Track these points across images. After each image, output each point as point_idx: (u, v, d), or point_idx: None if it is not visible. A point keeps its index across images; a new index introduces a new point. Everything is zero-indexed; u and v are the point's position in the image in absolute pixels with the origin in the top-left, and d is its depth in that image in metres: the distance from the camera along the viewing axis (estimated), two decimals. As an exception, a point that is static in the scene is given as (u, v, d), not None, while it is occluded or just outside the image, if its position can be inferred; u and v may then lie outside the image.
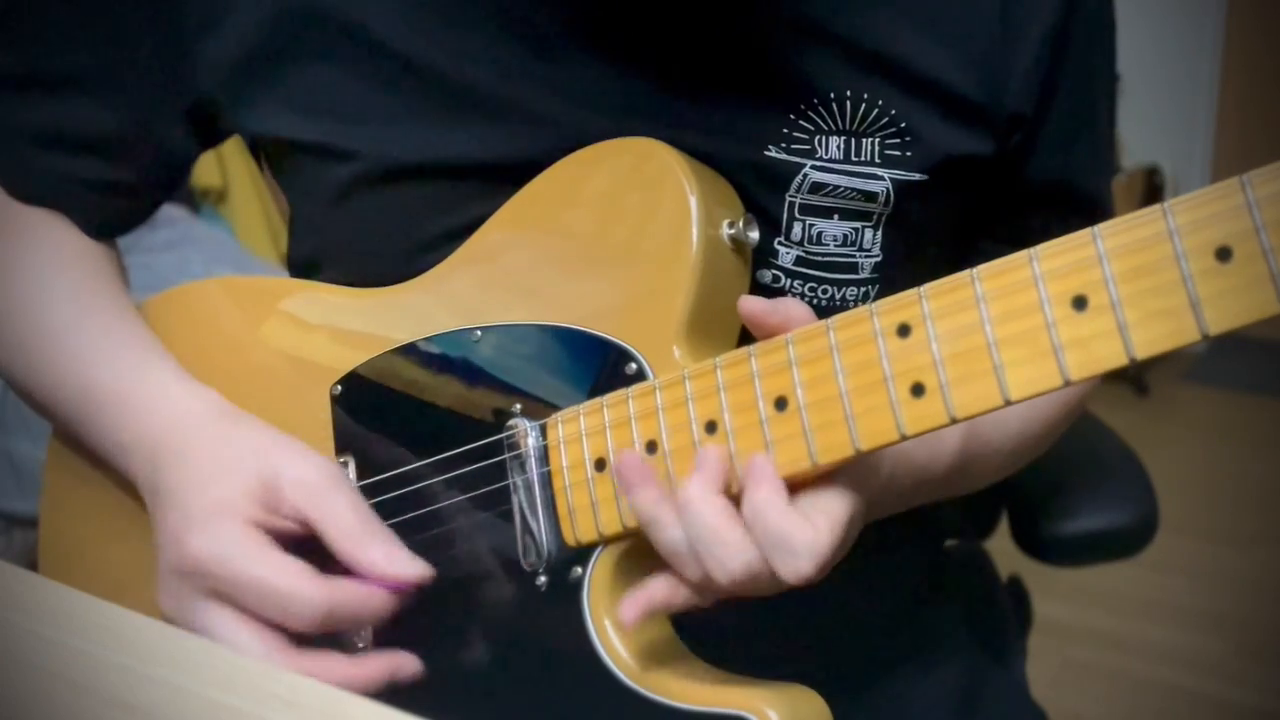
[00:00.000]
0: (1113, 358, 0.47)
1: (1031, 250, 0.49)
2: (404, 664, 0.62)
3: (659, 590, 0.57)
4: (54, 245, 0.76)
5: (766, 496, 0.54)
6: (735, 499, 0.56)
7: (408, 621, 0.65)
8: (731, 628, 0.62)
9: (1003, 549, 1.01)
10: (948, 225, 0.73)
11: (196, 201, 2.33)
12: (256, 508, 0.61)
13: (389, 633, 0.66)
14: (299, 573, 0.59)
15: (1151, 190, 3.39)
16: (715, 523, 0.54)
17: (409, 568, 0.61)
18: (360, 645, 0.66)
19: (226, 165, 2.33)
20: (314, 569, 0.60)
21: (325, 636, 0.61)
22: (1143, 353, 0.47)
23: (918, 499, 0.69)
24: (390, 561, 0.61)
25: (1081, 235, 0.48)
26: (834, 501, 0.55)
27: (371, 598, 0.60)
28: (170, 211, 1.99)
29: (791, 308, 0.57)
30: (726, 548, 0.54)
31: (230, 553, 0.59)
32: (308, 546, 0.62)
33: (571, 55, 0.66)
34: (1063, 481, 0.89)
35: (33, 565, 0.77)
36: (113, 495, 0.74)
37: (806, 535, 0.53)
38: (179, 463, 0.64)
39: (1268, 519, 2.52)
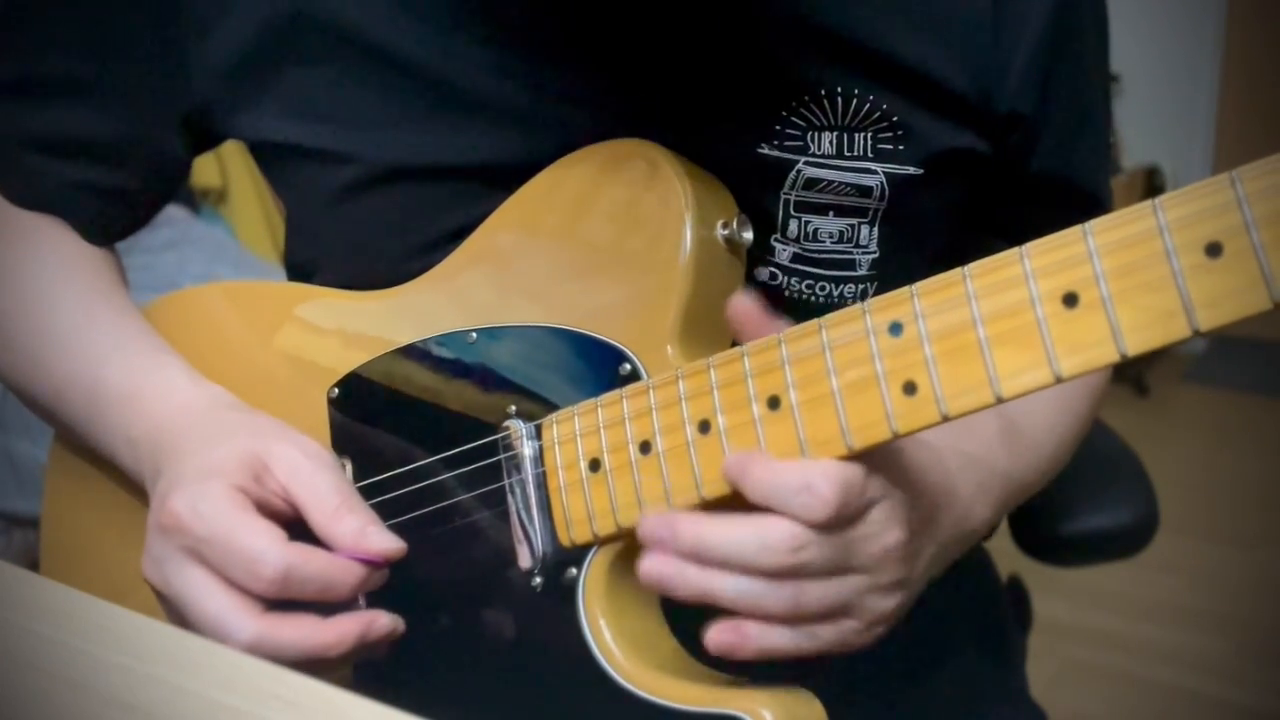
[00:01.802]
0: (1104, 354, 0.47)
1: (1022, 247, 0.49)
2: (377, 622, 0.61)
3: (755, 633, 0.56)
4: (54, 250, 0.76)
5: (763, 466, 0.54)
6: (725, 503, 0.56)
7: (404, 620, 0.66)
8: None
9: (1003, 549, 1.01)
10: (945, 221, 0.73)
11: (196, 201, 2.33)
12: (244, 475, 0.61)
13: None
14: (265, 533, 0.59)
15: (1151, 190, 3.40)
16: (729, 528, 0.53)
17: (378, 541, 0.60)
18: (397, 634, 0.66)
19: (226, 165, 2.33)
20: (282, 533, 0.59)
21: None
22: (1134, 349, 0.47)
23: (983, 509, 0.67)
24: (360, 534, 0.60)
25: (1072, 232, 0.48)
26: (835, 460, 0.54)
27: (336, 566, 0.59)
28: (170, 211, 1.99)
29: (780, 323, 0.57)
30: (761, 533, 0.53)
31: (205, 509, 0.59)
32: (294, 529, 0.62)
33: (564, 57, 0.67)
34: (1063, 481, 0.89)
35: (33, 565, 0.77)
36: (114, 497, 0.74)
37: (809, 467, 0.53)
38: (176, 444, 0.64)
39: (1268, 519, 2.52)
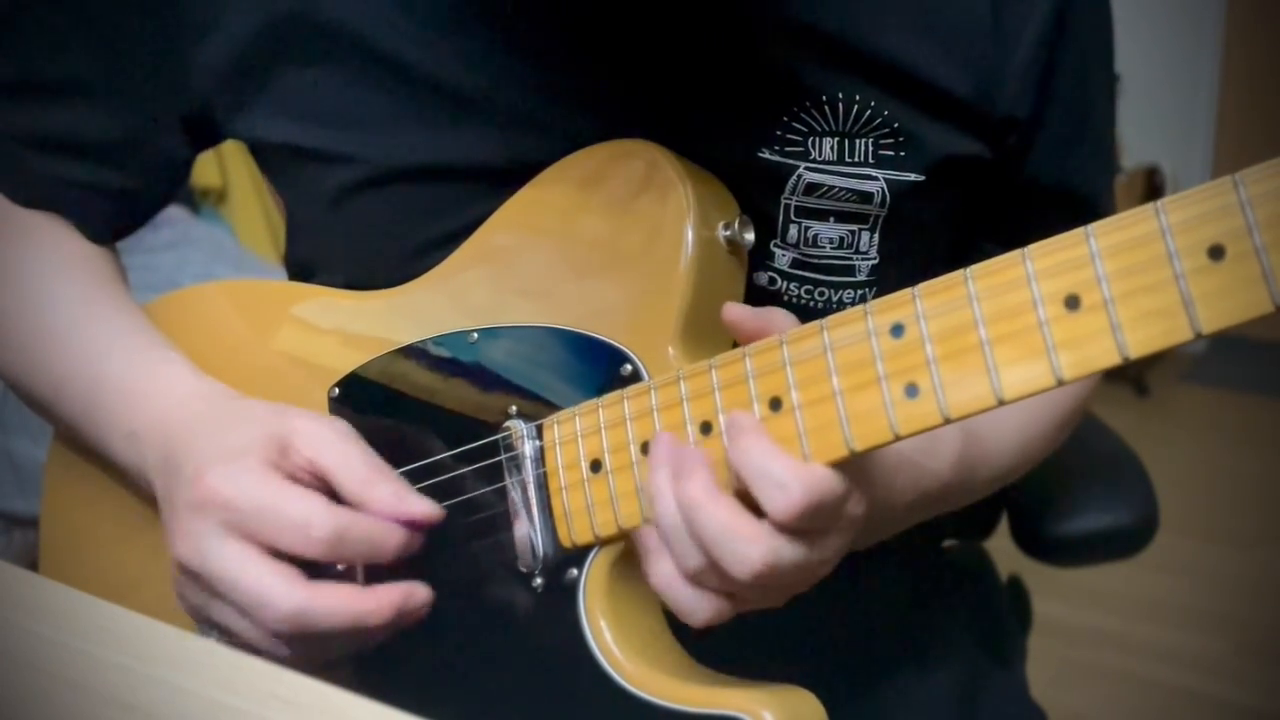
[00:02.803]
0: (1106, 357, 0.47)
1: (1024, 249, 0.49)
2: (415, 593, 0.61)
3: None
4: (55, 247, 0.76)
5: (754, 439, 0.54)
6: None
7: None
8: (728, 628, 0.62)
9: (1003, 549, 1.01)
10: (944, 228, 0.73)
11: (196, 201, 2.33)
12: (272, 451, 0.61)
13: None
14: (311, 497, 0.59)
15: (1151, 190, 3.39)
16: (728, 519, 0.54)
17: (417, 505, 0.61)
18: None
19: (226, 165, 2.33)
20: (324, 498, 0.60)
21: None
22: (1136, 352, 0.47)
23: (917, 514, 0.69)
24: (398, 499, 0.61)
25: (1074, 234, 0.48)
26: (830, 470, 0.54)
27: (381, 528, 0.60)
28: (170, 211, 1.99)
29: (775, 315, 0.57)
30: (745, 542, 0.53)
31: (248, 482, 0.59)
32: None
33: (565, 58, 0.66)
34: (1063, 481, 0.89)
35: (33, 565, 0.77)
36: (114, 497, 0.74)
37: (794, 464, 0.53)
38: (189, 432, 0.64)
39: (1268, 519, 2.52)
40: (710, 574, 0.55)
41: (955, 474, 0.68)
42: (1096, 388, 0.82)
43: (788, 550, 0.53)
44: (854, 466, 0.57)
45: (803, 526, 0.53)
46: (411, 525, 0.61)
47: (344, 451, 0.62)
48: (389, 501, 0.61)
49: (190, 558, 0.61)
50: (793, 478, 0.52)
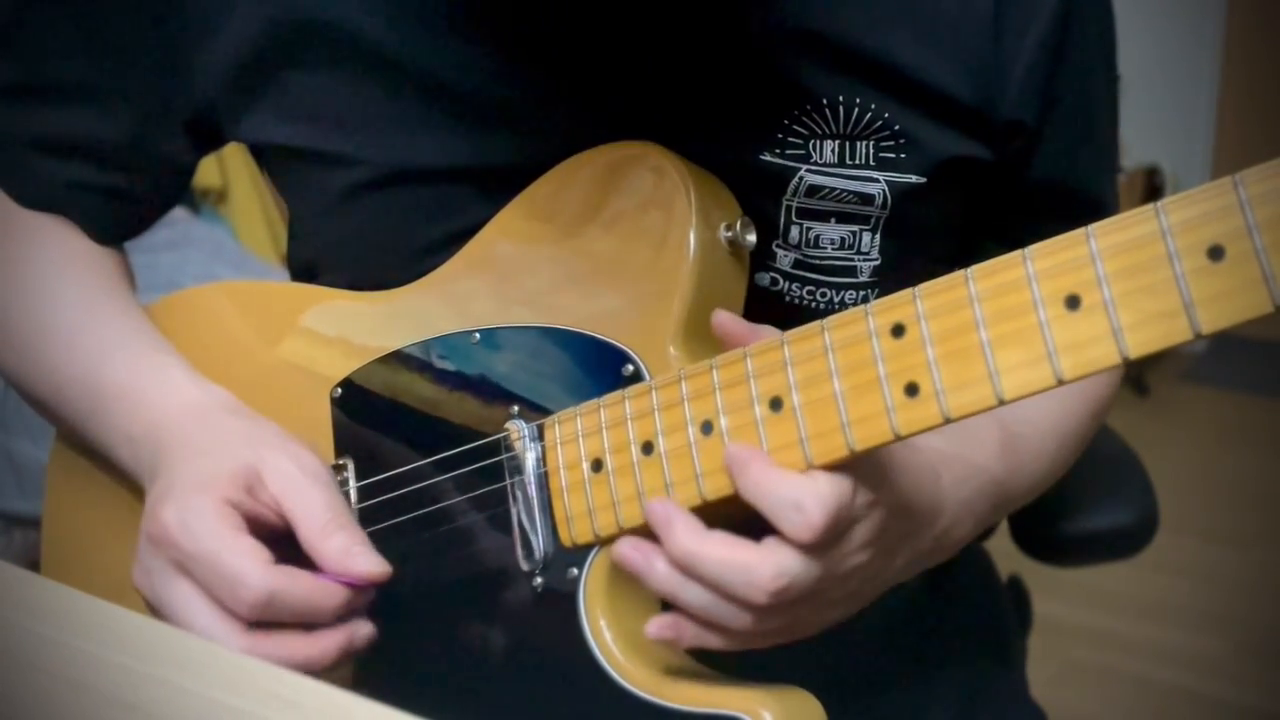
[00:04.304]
0: (1106, 357, 0.47)
1: (1025, 250, 0.49)
2: (358, 632, 0.61)
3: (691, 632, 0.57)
4: (61, 249, 0.76)
5: (760, 468, 0.54)
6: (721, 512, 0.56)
7: (406, 620, 0.66)
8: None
9: (1003, 549, 1.01)
10: (947, 229, 0.73)
11: (196, 201, 2.33)
12: (236, 488, 0.61)
13: (385, 633, 0.66)
14: (250, 554, 0.59)
15: (1152, 190, 3.39)
16: (728, 555, 0.53)
17: (364, 563, 0.60)
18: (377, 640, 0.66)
19: (226, 165, 2.33)
20: (270, 556, 0.59)
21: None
22: (1136, 352, 0.47)
23: (979, 513, 0.67)
24: (346, 554, 0.60)
25: (1075, 235, 0.48)
26: (836, 474, 0.54)
27: (320, 591, 0.59)
28: (170, 212, 1.99)
29: (763, 333, 0.57)
30: (750, 568, 0.53)
31: (194, 525, 0.59)
32: (286, 542, 0.62)
33: (568, 61, 0.66)
34: (1063, 481, 0.89)
35: (33, 565, 0.77)
36: (116, 496, 0.74)
37: (805, 484, 0.53)
38: (174, 448, 0.64)
39: (1268, 519, 2.52)
40: (736, 613, 0.55)
41: (1004, 468, 0.68)
42: (1114, 397, 0.82)
43: (793, 563, 0.53)
44: (881, 466, 0.57)
45: (825, 540, 0.53)
46: (354, 585, 0.61)
47: (307, 495, 0.62)
48: (335, 556, 0.60)
49: (142, 586, 0.61)
50: (805, 495, 0.52)
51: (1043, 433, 0.73)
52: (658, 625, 0.56)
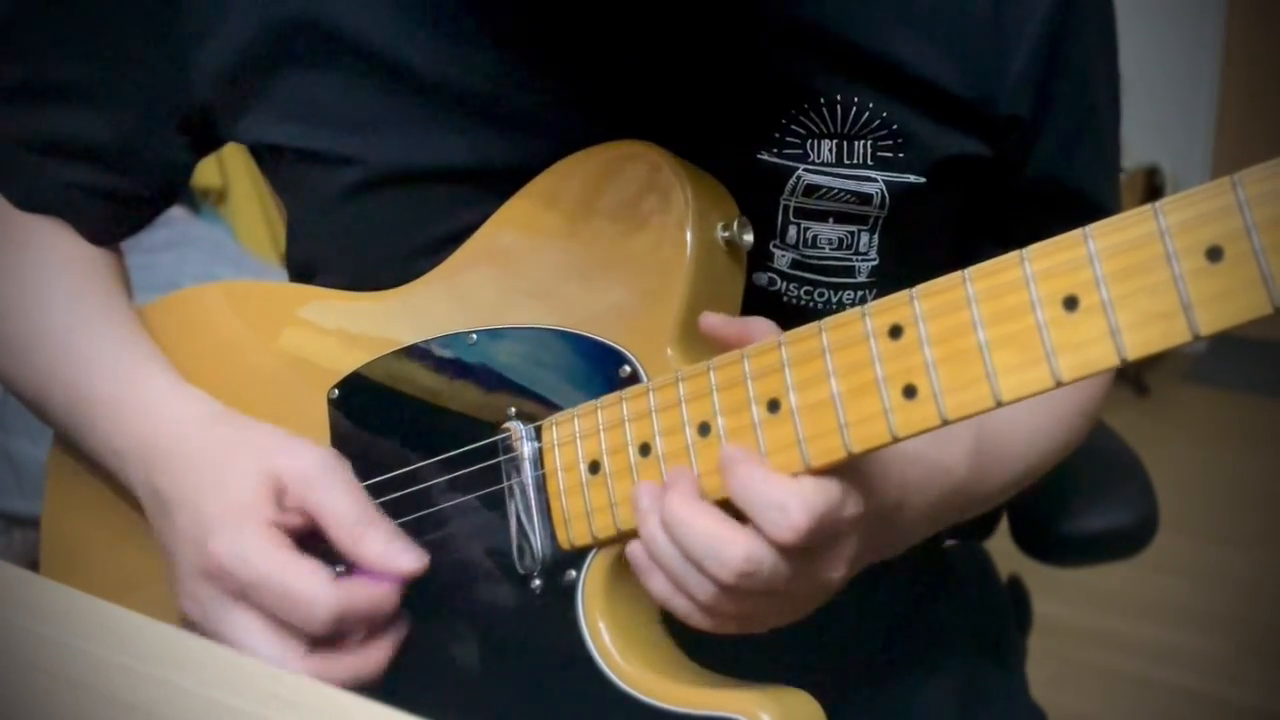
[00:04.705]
0: (1104, 358, 0.47)
1: (1023, 251, 0.49)
2: (401, 634, 0.64)
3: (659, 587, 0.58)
4: (54, 251, 0.76)
5: (748, 469, 0.54)
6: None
7: (403, 623, 0.66)
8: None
9: (1003, 549, 1.01)
10: (945, 229, 0.73)
11: (196, 201, 2.33)
12: (270, 507, 0.62)
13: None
14: (314, 574, 0.60)
15: (1152, 190, 3.39)
16: (709, 526, 0.54)
17: (407, 560, 0.62)
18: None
19: (226, 165, 2.33)
20: (329, 571, 0.61)
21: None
22: (1134, 353, 0.47)
23: (937, 516, 0.69)
24: (388, 555, 0.62)
25: (1073, 235, 0.48)
26: (827, 479, 0.54)
27: (379, 595, 0.61)
28: (170, 211, 1.98)
29: (754, 324, 0.58)
30: (723, 544, 0.54)
31: (250, 554, 0.60)
32: (319, 537, 0.63)
33: (565, 61, 0.66)
34: (1063, 482, 0.89)
35: (33, 565, 0.77)
36: (114, 497, 0.74)
37: (790, 486, 0.53)
38: (177, 467, 0.65)
39: (1268, 519, 2.52)
40: (702, 582, 0.55)
41: (970, 473, 0.68)
42: (1108, 391, 0.82)
43: (771, 559, 0.54)
44: (862, 471, 0.57)
45: (810, 543, 0.54)
46: (404, 577, 0.62)
47: (329, 494, 0.63)
48: (379, 559, 0.62)
49: (200, 621, 0.62)
50: (790, 496, 0.53)
51: (1019, 435, 0.73)
52: (636, 550, 0.57)
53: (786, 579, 0.55)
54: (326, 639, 0.61)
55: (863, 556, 0.60)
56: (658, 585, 0.58)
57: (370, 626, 0.62)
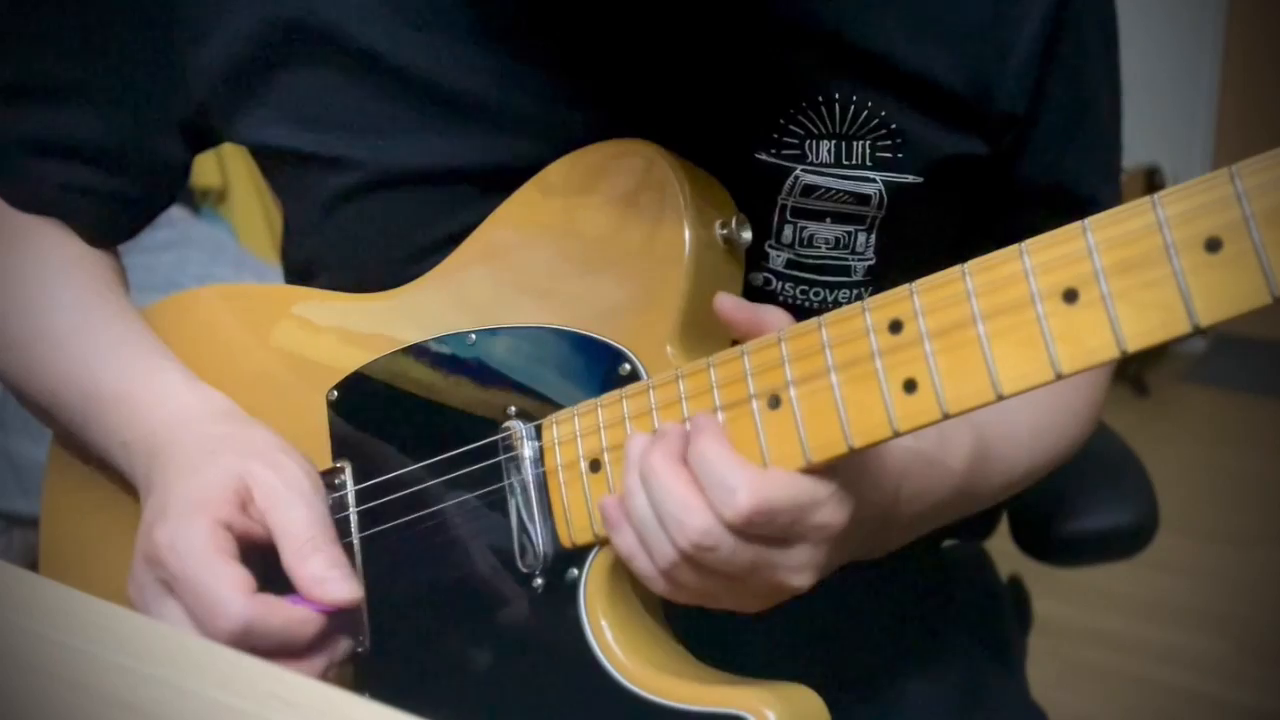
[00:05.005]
0: (1104, 350, 0.47)
1: (1022, 244, 0.49)
2: (336, 649, 0.63)
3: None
4: (54, 251, 0.76)
5: (706, 442, 0.54)
6: None
7: (406, 622, 0.66)
8: (731, 628, 0.62)
9: (1003, 549, 1.01)
10: (942, 228, 0.73)
11: (196, 202, 2.34)
12: (230, 507, 0.62)
13: (387, 634, 0.66)
14: (234, 583, 0.59)
15: (1151, 190, 3.37)
16: (678, 489, 0.54)
17: (334, 590, 0.61)
18: (359, 649, 0.66)
19: (226, 165, 2.33)
20: (251, 583, 0.60)
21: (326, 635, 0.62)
22: (1134, 345, 0.47)
23: (933, 517, 0.69)
24: (318, 582, 0.61)
25: (1071, 228, 0.48)
26: (805, 478, 0.54)
27: (296, 623, 0.60)
28: (170, 211, 1.98)
29: (769, 313, 0.57)
30: (687, 511, 0.53)
31: (184, 547, 0.60)
32: (273, 557, 0.62)
33: (563, 61, 0.66)
34: (1063, 482, 0.89)
35: (33, 565, 0.77)
36: (114, 497, 0.74)
37: (745, 471, 0.53)
38: (169, 454, 0.65)
39: (1268, 519, 2.52)
40: (662, 543, 0.55)
41: (968, 473, 0.68)
42: (1106, 394, 0.82)
43: (730, 541, 0.53)
44: (860, 467, 0.57)
45: (754, 531, 0.54)
46: (329, 610, 0.61)
47: (286, 514, 0.62)
48: (309, 583, 0.61)
49: (136, 603, 0.62)
50: (741, 482, 0.53)
51: (1020, 435, 0.73)
52: (609, 501, 0.57)
53: (745, 567, 0.54)
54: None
55: (840, 560, 0.59)
56: (623, 541, 0.57)
57: (281, 652, 0.60)
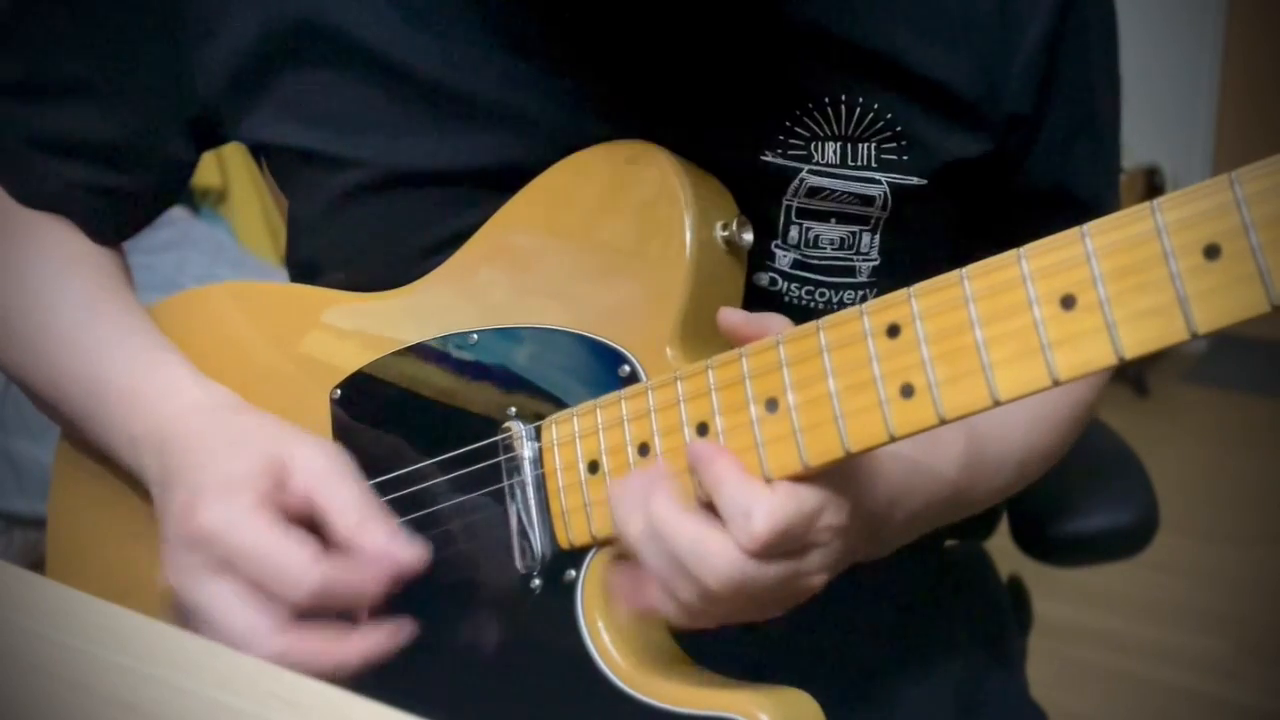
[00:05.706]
0: (1101, 357, 0.47)
1: (1020, 249, 0.49)
2: (395, 634, 0.63)
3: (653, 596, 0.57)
4: (60, 247, 0.76)
5: (721, 468, 0.54)
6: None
7: (404, 621, 0.66)
8: (728, 630, 0.62)
9: (1003, 549, 1.01)
10: (946, 229, 0.73)
11: (196, 201, 2.34)
12: (267, 483, 0.62)
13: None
14: (301, 546, 0.60)
15: (1151, 190, 3.39)
16: (691, 530, 0.54)
17: (407, 551, 0.61)
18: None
19: (226, 165, 2.33)
20: (320, 547, 0.60)
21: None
22: (1131, 352, 0.47)
23: (926, 519, 0.69)
24: (390, 546, 0.61)
25: (1069, 234, 0.48)
26: (805, 487, 0.54)
27: (366, 577, 0.60)
28: (170, 211, 1.98)
29: (771, 321, 0.57)
30: (709, 550, 0.53)
31: (237, 521, 0.60)
32: (311, 530, 0.62)
33: (568, 62, 0.66)
34: (1063, 482, 0.89)
35: (33, 565, 0.77)
36: (121, 496, 0.74)
37: (757, 490, 0.53)
38: (186, 446, 0.64)
39: (1268, 519, 2.52)
40: (686, 584, 0.55)
41: (961, 476, 0.68)
42: (1101, 394, 0.82)
43: (753, 567, 0.54)
44: (855, 472, 0.57)
45: (772, 553, 0.54)
46: (399, 571, 0.61)
47: (340, 489, 0.62)
48: (380, 544, 0.61)
49: (180, 589, 0.61)
50: (754, 503, 0.53)
51: (1013, 438, 0.73)
52: (618, 580, 0.57)
53: (772, 585, 0.55)
54: (299, 622, 0.60)
55: (847, 558, 0.60)
56: (646, 599, 0.57)
57: (351, 608, 0.61)
